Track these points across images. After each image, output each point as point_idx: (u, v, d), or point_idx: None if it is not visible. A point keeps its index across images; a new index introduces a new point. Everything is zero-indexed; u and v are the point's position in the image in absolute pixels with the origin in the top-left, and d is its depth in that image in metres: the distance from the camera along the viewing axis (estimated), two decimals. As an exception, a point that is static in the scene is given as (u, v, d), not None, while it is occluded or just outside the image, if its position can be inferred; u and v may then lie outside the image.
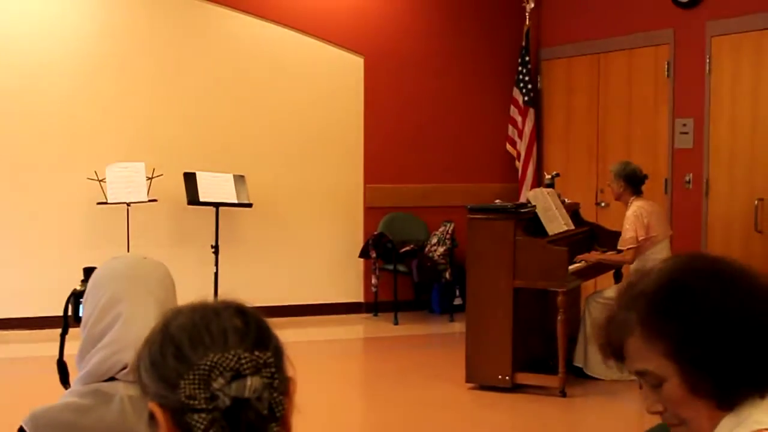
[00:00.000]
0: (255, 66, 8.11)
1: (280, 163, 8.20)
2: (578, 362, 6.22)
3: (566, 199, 6.75)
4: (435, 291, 8.48)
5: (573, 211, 6.76)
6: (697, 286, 1.37)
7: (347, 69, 8.39)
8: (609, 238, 6.58)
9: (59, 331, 2.23)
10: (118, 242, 7.28)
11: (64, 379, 2.20)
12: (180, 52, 7.91)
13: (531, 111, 8.67)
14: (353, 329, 8.13)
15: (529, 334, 6.02)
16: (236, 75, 8.06)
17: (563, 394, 5.77)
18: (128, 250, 7.16)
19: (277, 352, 1.18)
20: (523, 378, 5.86)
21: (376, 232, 8.25)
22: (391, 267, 8.16)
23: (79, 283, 2.17)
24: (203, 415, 1.11)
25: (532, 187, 8.10)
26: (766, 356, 1.34)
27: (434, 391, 6.03)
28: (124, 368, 1.85)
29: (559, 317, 5.72)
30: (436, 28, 8.66)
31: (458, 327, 7.66)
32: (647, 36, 7.58)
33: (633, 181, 6.21)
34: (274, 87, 8.17)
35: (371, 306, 8.41)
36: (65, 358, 2.21)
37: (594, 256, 6.35)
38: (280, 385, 1.16)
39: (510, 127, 8.83)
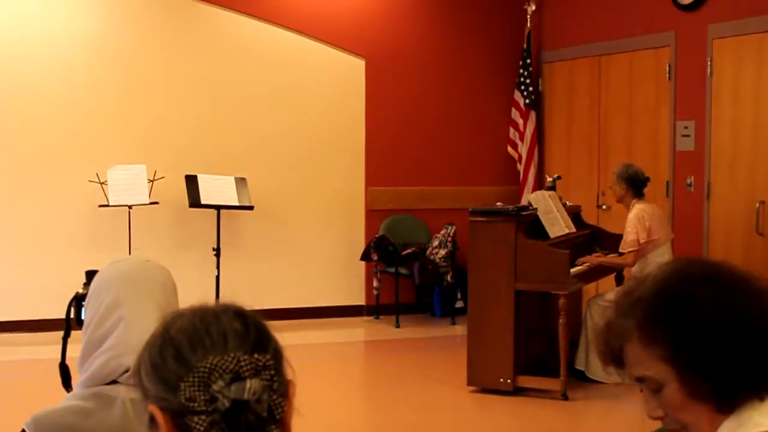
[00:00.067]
0: (257, 68, 8.12)
1: (282, 166, 8.21)
2: (580, 365, 6.22)
3: (567, 202, 6.75)
4: (436, 294, 8.48)
5: (574, 214, 6.76)
6: (693, 292, 1.38)
7: (349, 71, 8.40)
8: (610, 241, 6.58)
9: (61, 334, 2.24)
10: (119, 245, 7.29)
11: (66, 382, 2.21)
12: (181, 54, 7.91)
13: (532, 113, 8.67)
14: (354, 332, 8.13)
15: (531, 337, 6.02)
16: (238, 77, 8.07)
17: (565, 398, 5.76)
18: (130, 253, 7.17)
19: (277, 354, 1.19)
20: (525, 381, 5.86)
21: (377, 235, 8.26)
22: (392, 270, 8.16)
23: (82, 286, 2.18)
24: (203, 417, 1.12)
25: (534, 189, 8.10)
26: (762, 359, 1.35)
27: (435, 394, 6.02)
28: (126, 372, 1.86)
29: (560, 320, 5.71)
30: (438, 31, 8.66)
31: (460, 330, 7.66)
32: (648, 38, 7.59)
33: (635, 184, 6.21)
34: (275, 90, 8.18)
35: (372, 309, 8.41)
36: (67, 361, 2.22)
37: (595, 258, 6.35)
38: (279, 388, 1.16)
39: (511, 130, 8.84)
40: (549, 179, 6.84)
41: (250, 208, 7.64)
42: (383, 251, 8.16)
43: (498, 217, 5.88)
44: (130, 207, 7.34)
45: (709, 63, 6.99)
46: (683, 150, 7.26)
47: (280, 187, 8.19)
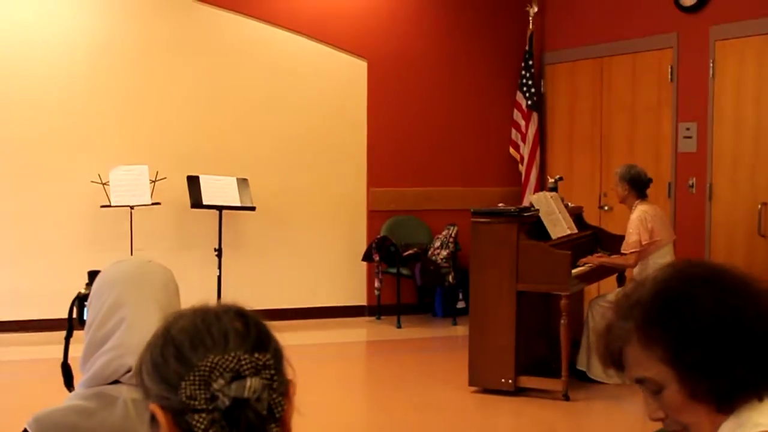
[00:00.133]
0: (259, 70, 8.13)
1: (284, 167, 8.22)
2: (581, 366, 6.22)
3: (569, 203, 6.76)
4: (438, 294, 8.48)
5: (576, 215, 6.77)
6: (691, 293, 1.39)
7: (351, 73, 8.41)
8: (612, 242, 6.58)
9: (64, 333, 2.24)
10: (121, 245, 7.29)
11: (69, 382, 2.21)
12: (184, 56, 7.92)
13: (534, 115, 8.67)
14: (356, 332, 8.13)
15: (532, 338, 6.03)
16: (240, 78, 8.08)
17: (566, 398, 5.77)
18: (131, 253, 7.18)
19: (277, 354, 1.20)
20: (526, 381, 5.86)
21: (379, 236, 8.26)
22: (394, 270, 8.17)
23: (84, 287, 2.18)
24: (203, 415, 1.12)
25: (536, 190, 8.10)
26: (760, 360, 1.36)
27: (437, 394, 6.03)
28: (128, 372, 1.86)
29: (562, 321, 5.72)
30: (439, 33, 8.67)
31: (461, 330, 7.66)
32: (651, 40, 7.59)
33: (638, 185, 6.21)
34: (277, 91, 8.19)
35: (374, 309, 8.41)
36: (70, 361, 2.22)
37: (597, 259, 6.35)
38: (279, 387, 1.17)
39: (513, 131, 8.84)
40: (551, 180, 6.84)
41: (252, 208, 7.64)
42: (385, 252, 8.16)
43: (500, 218, 5.88)
44: (132, 207, 7.35)
45: (711, 64, 6.99)
46: (685, 151, 7.26)
47: (281, 187, 8.19)
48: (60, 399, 1.95)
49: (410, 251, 8.17)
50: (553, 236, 6.12)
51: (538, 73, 8.81)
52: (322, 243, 8.34)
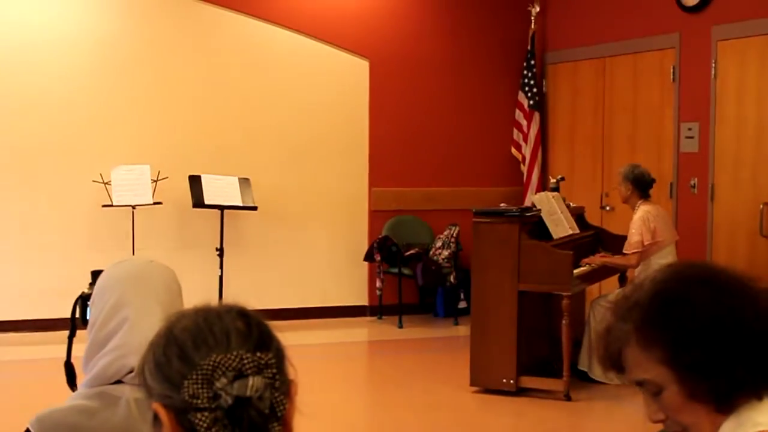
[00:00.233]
0: (261, 69, 8.13)
1: (285, 166, 8.22)
2: (583, 366, 6.22)
3: (571, 203, 6.76)
4: (439, 294, 8.48)
5: (578, 215, 6.77)
6: (690, 294, 1.39)
7: (352, 72, 8.41)
8: (614, 242, 6.58)
9: (66, 333, 2.25)
10: (123, 245, 7.30)
11: (71, 382, 2.21)
12: (185, 55, 7.93)
13: (536, 115, 8.67)
14: (358, 332, 8.14)
15: (534, 338, 6.03)
16: (241, 78, 8.09)
17: (568, 398, 5.77)
18: (133, 253, 7.19)
19: (279, 353, 1.21)
20: (528, 382, 5.86)
21: (380, 236, 8.27)
22: (395, 270, 8.17)
23: (87, 286, 2.18)
24: (206, 414, 1.13)
25: (537, 190, 8.10)
26: (760, 360, 1.36)
27: (438, 394, 6.03)
28: (130, 372, 1.86)
29: (563, 321, 5.72)
30: (442, 32, 8.67)
31: (463, 330, 7.66)
32: (653, 40, 7.59)
33: (641, 185, 6.21)
34: (279, 90, 8.19)
35: (376, 309, 8.42)
36: (72, 361, 2.23)
37: (599, 259, 6.35)
38: (281, 386, 1.18)
39: (515, 131, 8.84)
40: (552, 180, 6.85)
41: (254, 208, 7.65)
42: (386, 252, 8.17)
43: (501, 218, 5.88)
44: (133, 207, 7.35)
45: (713, 65, 6.99)
46: (687, 151, 7.26)
47: (283, 187, 8.20)
48: (63, 398, 1.95)
49: (412, 251, 8.17)
50: (555, 236, 6.12)
51: (540, 73, 8.81)
52: (324, 243, 8.35)
